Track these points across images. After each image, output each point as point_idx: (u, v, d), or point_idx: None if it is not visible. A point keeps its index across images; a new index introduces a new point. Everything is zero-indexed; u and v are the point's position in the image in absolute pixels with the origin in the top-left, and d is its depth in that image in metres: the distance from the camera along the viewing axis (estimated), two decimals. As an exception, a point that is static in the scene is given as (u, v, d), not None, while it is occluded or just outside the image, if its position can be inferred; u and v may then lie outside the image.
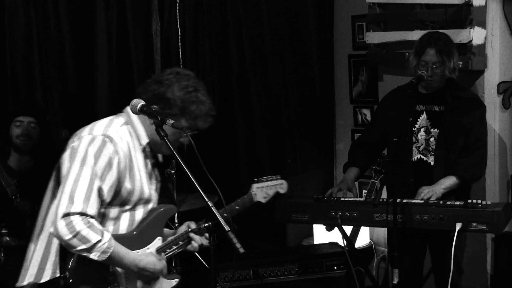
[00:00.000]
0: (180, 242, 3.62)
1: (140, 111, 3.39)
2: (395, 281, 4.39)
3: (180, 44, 6.10)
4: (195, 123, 3.45)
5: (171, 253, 3.61)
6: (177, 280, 3.65)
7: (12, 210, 4.73)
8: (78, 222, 3.20)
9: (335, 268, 5.43)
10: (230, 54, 6.40)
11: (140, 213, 3.51)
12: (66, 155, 3.36)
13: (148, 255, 3.47)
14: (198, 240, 3.63)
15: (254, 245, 6.17)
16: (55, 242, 3.37)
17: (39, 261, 3.40)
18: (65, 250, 3.30)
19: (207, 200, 3.23)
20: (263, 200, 4.05)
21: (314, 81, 6.86)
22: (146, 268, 3.44)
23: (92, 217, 3.25)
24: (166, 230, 3.69)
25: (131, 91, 5.44)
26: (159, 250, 3.56)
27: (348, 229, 5.33)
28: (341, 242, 5.26)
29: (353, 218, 4.80)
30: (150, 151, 3.54)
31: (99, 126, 3.41)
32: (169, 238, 3.61)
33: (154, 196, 3.59)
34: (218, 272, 5.04)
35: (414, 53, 4.82)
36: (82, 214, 3.22)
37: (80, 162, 3.28)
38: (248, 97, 6.50)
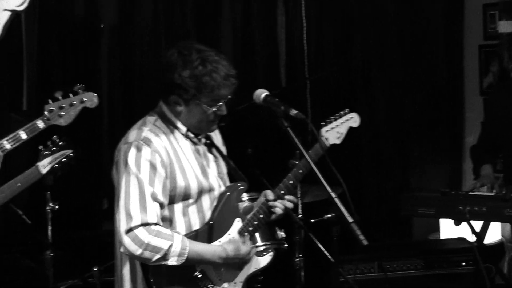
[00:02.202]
0: (261, 216, 3.39)
1: (263, 101, 3.30)
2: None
3: (305, 36, 6.08)
4: (218, 93, 3.19)
5: (254, 229, 3.39)
6: (271, 254, 3.51)
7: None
8: (143, 234, 3.07)
9: (463, 264, 5.25)
10: (354, 47, 6.32)
11: (207, 203, 3.33)
12: (113, 171, 3.25)
13: (228, 243, 3.29)
14: (280, 206, 3.38)
15: (378, 239, 6.08)
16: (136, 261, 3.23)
17: (129, 280, 3.29)
18: (144, 265, 3.16)
19: (330, 191, 3.15)
20: (337, 141, 3.67)
21: (441, 73, 6.68)
22: (231, 256, 3.26)
23: (155, 224, 3.11)
24: (242, 208, 3.50)
25: (254, 83, 5.53)
26: (241, 232, 3.36)
27: (477, 224, 5.15)
28: (469, 237, 5.08)
29: (482, 213, 4.62)
30: (195, 136, 3.34)
31: (133, 132, 3.23)
32: (248, 216, 3.39)
33: (216, 182, 3.38)
34: (342, 265, 4.99)
35: None
36: (144, 224, 3.08)
37: (124, 175, 3.13)
38: (371, 91, 6.41)
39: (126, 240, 3.08)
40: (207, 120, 3.24)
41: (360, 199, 6.31)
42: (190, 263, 3.17)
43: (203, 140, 3.39)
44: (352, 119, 3.82)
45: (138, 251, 3.07)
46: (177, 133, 3.28)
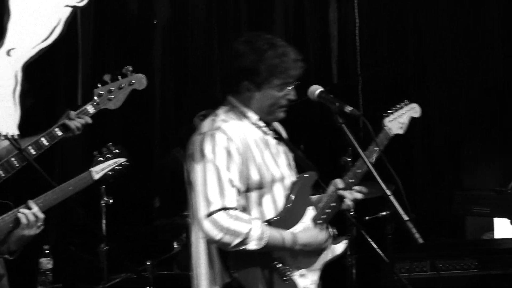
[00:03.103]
0: (332, 204, 3.39)
1: (318, 98, 3.32)
2: None
3: (357, 32, 6.04)
4: (288, 75, 3.23)
5: (327, 217, 3.39)
6: (346, 241, 3.49)
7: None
8: (223, 218, 3.09)
9: (518, 264, 5.17)
10: (407, 42, 6.25)
11: (279, 191, 3.34)
12: (188, 165, 3.26)
13: (305, 230, 3.32)
14: (349, 196, 3.37)
15: (431, 238, 6.01)
16: (213, 248, 3.22)
17: (207, 273, 3.27)
18: (223, 253, 3.17)
19: (385, 189, 3.13)
20: (400, 131, 3.69)
21: (496, 70, 6.57)
22: (308, 243, 3.29)
23: (234, 209, 3.13)
24: (313, 197, 3.49)
25: (306, 79, 5.50)
26: (314, 220, 3.37)
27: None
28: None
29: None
30: (266, 125, 3.36)
31: (206, 124, 3.27)
32: (320, 204, 3.39)
33: (288, 171, 3.40)
34: (395, 263, 4.95)
35: None
36: (224, 208, 3.10)
37: (201, 163, 3.17)
38: (425, 89, 6.33)
39: (206, 225, 3.09)
40: (278, 104, 3.26)
41: (412, 197, 6.24)
42: (269, 248, 3.19)
43: (273, 135, 3.40)
44: (413, 110, 3.85)
45: (218, 235, 3.08)
46: (247, 123, 3.32)
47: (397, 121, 3.75)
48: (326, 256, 3.41)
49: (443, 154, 6.42)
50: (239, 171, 3.20)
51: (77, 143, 5.03)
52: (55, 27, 2.44)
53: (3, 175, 3.44)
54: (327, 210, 3.38)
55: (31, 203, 2.99)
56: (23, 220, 2.93)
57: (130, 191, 5.13)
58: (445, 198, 5.99)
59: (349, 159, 4.88)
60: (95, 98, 3.64)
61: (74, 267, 4.75)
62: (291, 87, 3.26)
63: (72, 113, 3.56)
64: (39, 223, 2.97)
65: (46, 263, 4.24)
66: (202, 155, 3.18)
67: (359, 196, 3.40)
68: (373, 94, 6.05)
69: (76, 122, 3.55)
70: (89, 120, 3.62)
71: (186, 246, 4.65)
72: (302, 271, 3.34)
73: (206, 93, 5.56)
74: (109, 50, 5.44)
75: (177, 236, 4.67)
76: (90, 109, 3.63)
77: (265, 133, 3.36)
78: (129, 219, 5.05)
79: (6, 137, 3.20)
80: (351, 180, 3.39)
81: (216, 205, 3.11)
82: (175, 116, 5.59)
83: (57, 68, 5.07)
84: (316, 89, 3.31)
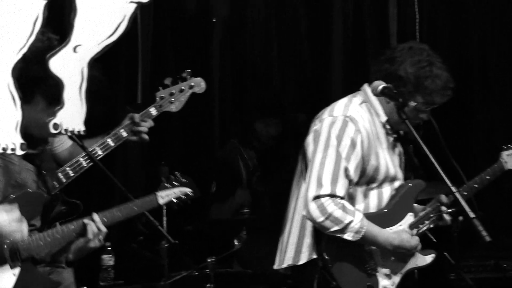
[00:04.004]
0: (432, 216, 3.50)
1: (381, 93, 3.34)
2: None
3: (417, 29, 5.95)
4: (431, 98, 3.33)
5: (424, 228, 3.50)
6: (433, 256, 3.56)
7: (252, 184, 4.88)
8: (329, 204, 3.22)
9: None
10: (470, 40, 6.13)
11: (387, 190, 3.46)
12: (310, 139, 3.39)
13: (401, 233, 3.41)
14: (446, 217, 3.49)
15: (495, 237, 5.87)
16: (309, 225, 3.39)
17: (295, 243, 3.44)
18: (319, 232, 3.32)
19: (450, 185, 3.09)
20: None
21: None
22: (401, 245, 3.37)
23: (341, 198, 3.26)
24: (416, 205, 3.58)
25: (365, 77, 5.44)
26: (411, 226, 3.47)
27: None
28: None
29: None
30: (391, 127, 3.46)
31: (339, 107, 3.40)
32: (421, 213, 3.51)
33: (400, 173, 3.52)
34: (460, 261, 4.85)
35: None
36: (332, 196, 3.23)
37: (324, 145, 3.30)
38: (488, 89, 6.19)
39: (312, 206, 3.23)
40: (410, 120, 3.30)
41: (476, 197, 6.11)
42: (363, 242, 3.31)
43: (394, 136, 3.51)
44: None
45: (320, 218, 3.22)
46: (376, 120, 3.42)
47: None
48: (413, 263, 3.50)
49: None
50: (357, 163, 3.31)
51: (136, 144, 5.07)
52: (120, 23, 2.43)
53: (71, 174, 3.49)
54: (426, 221, 3.49)
55: (95, 215, 3.00)
56: (90, 233, 2.94)
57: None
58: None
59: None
60: (157, 100, 3.73)
61: (135, 264, 4.77)
62: (428, 109, 3.32)
63: (137, 117, 3.63)
64: (101, 237, 2.98)
65: (108, 259, 4.28)
66: (328, 137, 3.31)
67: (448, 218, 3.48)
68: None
69: (142, 127, 3.62)
70: (152, 123, 3.70)
71: (246, 243, 4.65)
72: (387, 271, 3.43)
73: (265, 90, 5.56)
74: (168, 49, 5.47)
75: (238, 233, 4.68)
76: (153, 111, 3.73)
77: (387, 133, 3.46)
78: (189, 216, 5.06)
79: (72, 137, 3.22)
80: (465, 193, 3.44)
81: (326, 189, 3.24)
82: (234, 110, 5.63)
83: (117, 66, 5.13)
84: (379, 85, 3.35)
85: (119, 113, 4.90)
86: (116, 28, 2.45)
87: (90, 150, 3.46)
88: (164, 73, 5.32)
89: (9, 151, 2.44)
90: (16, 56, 2.39)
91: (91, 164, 3.62)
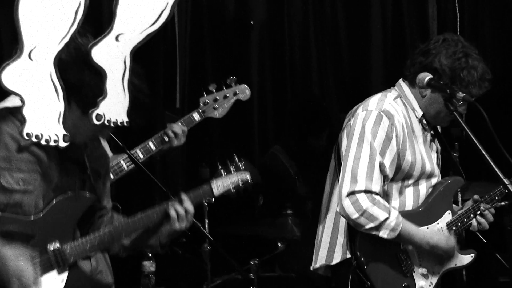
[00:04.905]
0: (472, 216, 3.40)
1: (427, 85, 3.23)
2: None
3: (458, 27, 5.86)
4: (468, 90, 3.22)
5: (462, 227, 3.40)
6: (472, 255, 3.45)
7: (295, 190, 4.80)
8: (363, 200, 3.13)
9: None
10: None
11: (423, 187, 3.36)
12: (343, 134, 3.32)
13: (438, 232, 3.32)
14: (488, 216, 3.39)
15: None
16: (342, 223, 3.31)
17: (328, 243, 3.36)
18: (353, 230, 3.24)
19: (502, 177, 2.98)
20: None
21: None
22: (438, 245, 3.28)
23: (377, 194, 3.17)
24: (454, 205, 3.50)
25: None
26: (449, 225, 3.37)
27: None
28: None
29: None
30: (427, 123, 3.38)
31: (373, 101, 3.31)
32: (459, 212, 3.41)
33: (437, 170, 3.42)
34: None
35: None
36: (367, 191, 3.15)
37: (358, 140, 3.21)
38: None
39: (346, 202, 3.16)
40: (446, 113, 3.23)
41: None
42: (399, 240, 3.22)
43: (431, 132, 3.45)
44: None
45: (354, 215, 3.14)
46: (412, 115, 3.35)
47: None
48: (451, 263, 3.40)
49: None
50: (392, 158, 3.22)
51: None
52: (162, 11, 2.39)
53: (112, 177, 3.50)
54: (465, 219, 3.39)
55: (183, 195, 2.93)
56: (173, 213, 2.87)
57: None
58: None
59: (456, 155, 4.70)
60: (201, 105, 3.75)
61: (177, 269, 4.72)
62: (465, 102, 3.20)
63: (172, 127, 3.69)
64: (189, 217, 2.91)
65: (149, 265, 4.23)
66: (362, 132, 3.22)
67: (491, 219, 3.40)
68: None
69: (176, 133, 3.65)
70: (185, 128, 3.72)
71: (290, 246, 4.59)
72: (424, 270, 3.33)
73: (304, 92, 5.51)
74: (206, 53, 5.43)
75: (281, 235, 4.62)
76: (196, 116, 3.76)
77: (424, 129, 3.37)
78: (231, 218, 5.01)
79: (113, 137, 3.18)
80: (496, 198, 3.37)
81: (361, 185, 3.15)
82: (273, 112, 5.55)
83: (155, 71, 5.10)
84: (425, 76, 3.23)
85: (159, 117, 4.90)
86: (159, 16, 2.41)
87: (132, 152, 3.46)
88: (202, 78, 5.34)
89: (52, 143, 2.43)
90: (58, 45, 2.37)
91: (132, 167, 3.61)
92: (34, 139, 2.38)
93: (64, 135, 2.43)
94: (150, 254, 4.25)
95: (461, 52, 3.24)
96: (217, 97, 3.79)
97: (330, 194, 3.41)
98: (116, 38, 2.41)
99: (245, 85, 3.87)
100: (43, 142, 2.40)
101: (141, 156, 3.62)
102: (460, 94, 3.15)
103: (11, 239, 2.60)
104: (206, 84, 4.06)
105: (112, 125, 2.47)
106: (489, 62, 5.71)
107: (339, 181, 3.23)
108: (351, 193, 3.15)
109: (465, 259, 3.43)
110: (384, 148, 3.20)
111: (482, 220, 3.38)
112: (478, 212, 3.38)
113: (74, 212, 2.77)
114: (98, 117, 2.44)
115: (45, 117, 2.38)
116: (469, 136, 3.06)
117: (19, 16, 2.27)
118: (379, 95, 3.36)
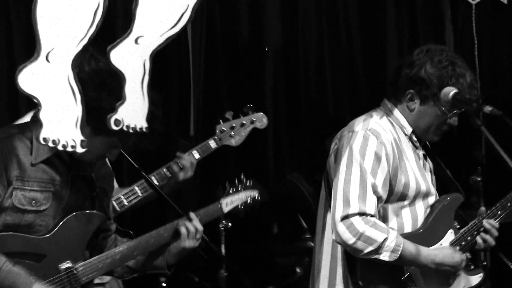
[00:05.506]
0: (475, 233, 3.25)
1: (452, 99, 3.15)
2: None
3: (476, 54, 5.80)
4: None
5: (467, 245, 3.25)
6: (481, 275, 3.30)
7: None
8: (359, 223, 2.98)
9: None
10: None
11: (421, 207, 3.20)
12: (331, 160, 3.21)
13: (442, 249, 3.16)
14: (493, 231, 3.25)
15: None
16: (339, 253, 3.16)
17: (328, 276, 3.21)
18: (352, 259, 3.09)
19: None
20: None
21: None
22: (444, 262, 3.12)
23: (372, 216, 3.02)
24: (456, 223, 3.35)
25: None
26: (453, 244, 3.22)
27: None
28: None
29: None
30: (418, 140, 3.26)
31: (358, 122, 3.20)
32: (462, 230, 3.26)
33: (433, 188, 3.26)
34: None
35: None
36: (361, 214, 3.00)
37: (346, 162, 3.08)
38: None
39: (341, 227, 3.01)
40: (437, 126, 3.18)
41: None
42: (402, 262, 3.06)
43: (422, 152, 3.32)
44: None
45: (351, 240, 2.99)
46: (401, 133, 3.23)
47: None
48: (459, 284, 3.24)
49: None
50: (384, 178, 3.08)
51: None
52: (183, 14, 2.33)
53: (126, 204, 3.54)
54: (468, 238, 3.24)
55: (191, 214, 2.90)
56: (183, 230, 2.83)
57: (249, 214, 5.03)
58: None
59: (479, 179, 4.60)
60: (217, 132, 3.74)
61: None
62: (456, 111, 3.14)
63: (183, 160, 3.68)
64: (198, 236, 2.87)
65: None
66: (350, 153, 3.08)
67: (496, 234, 3.27)
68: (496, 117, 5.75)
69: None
70: (194, 161, 3.69)
71: (309, 271, 4.48)
72: None
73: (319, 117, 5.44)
74: (221, 80, 5.39)
75: (300, 260, 4.51)
76: (213, 144, 3.75)
77: (415, 147, 3.26)
78: (248, 244, 4.91)
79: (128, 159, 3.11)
80: (499, 212, 3.26)
81: (354, 208, 3.00)
82: (288, 139, 5.47)
83: (169, 98, 5.05)
84: (450, 91, 3.15)
85: (173, 145, 4.83)
86: (179, 19, 2.34)
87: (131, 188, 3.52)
88: (217, 104, 5.29)
89: (69, 148, 2.35)
90: (76, 48, 2.30)
91: (146, 194, 3.57)
92: (51, 144, 2.30)
93: (82, 141, 2.35)
94: (164, 284, 4.16)
95: (446, 60, 3.15)
96: (234, 125, 3.79)
97: (323, 224, 3.26)
98: (136, 41, 2.34)
99: (262, 113, 3.88)
100: (60, 147, 2.32)
101: (156, 182, 3.60)
102: (488, 108, 3.06)
103: (23, 259, 2.57)
104: (220, 111, 4.03)
105: (131, 130, 2.39)
106: (509, 86, 5.71)
107: (331, 207, 3.09)
108: (345, 217, 2.99)
109: (473, 279, 3.28)
110: (374, 167, 3.06)
111: (486, 236, 3.24)
112: (482, 229, 3.24)
113: (84, 231, 2.74)
114: (117, 122, 2.36)
115: (62, 122, 2.31)
116: (495, 148, 2.97)
117: (36, 17, 2.21)
118: (364, 116, 3.25)
